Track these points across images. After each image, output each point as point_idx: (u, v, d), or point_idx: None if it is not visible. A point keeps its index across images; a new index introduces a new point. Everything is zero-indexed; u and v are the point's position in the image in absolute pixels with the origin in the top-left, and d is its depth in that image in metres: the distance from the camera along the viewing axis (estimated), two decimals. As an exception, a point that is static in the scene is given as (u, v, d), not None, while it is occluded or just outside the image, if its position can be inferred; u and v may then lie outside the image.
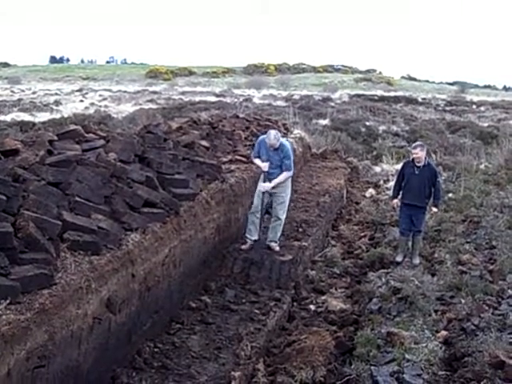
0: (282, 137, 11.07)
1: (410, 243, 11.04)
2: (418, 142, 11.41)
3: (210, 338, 7.92)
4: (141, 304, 7.07)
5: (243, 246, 10.52)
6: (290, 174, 10.60)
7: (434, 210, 11.25)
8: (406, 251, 11.00)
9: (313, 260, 11.59)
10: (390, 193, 14.02)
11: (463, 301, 8.54)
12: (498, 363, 6.42)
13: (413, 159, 10.78)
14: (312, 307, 9.57)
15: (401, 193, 11.06)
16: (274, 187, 10.42)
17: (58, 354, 5.32)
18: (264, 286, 9.81)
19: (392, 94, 59.52)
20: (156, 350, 7.37)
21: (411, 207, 10.79)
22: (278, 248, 10.60)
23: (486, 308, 8.14)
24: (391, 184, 16.95)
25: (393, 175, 18.44)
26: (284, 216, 10.80)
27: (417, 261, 10.70)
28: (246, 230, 10.71)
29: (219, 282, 9.77)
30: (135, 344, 7.11)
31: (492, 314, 7.91)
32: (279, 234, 10.78)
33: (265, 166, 10.40)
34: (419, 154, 10.61)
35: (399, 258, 10.86)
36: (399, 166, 17.00)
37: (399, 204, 11.24)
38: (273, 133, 10.42)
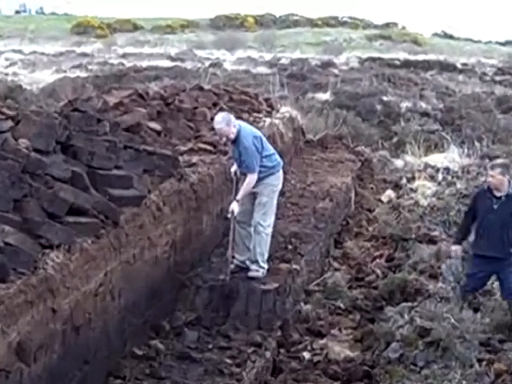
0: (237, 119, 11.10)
1: None
2: (498, 160, 10.85)
3: (163, 399, 8.00)
4: (65, 351, 7.10)
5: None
6: (255, 176, 10.44)
7: None
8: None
9: (307, 289, 11.69)
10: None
11: (517, 346, 8.66)
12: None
13: (488, 186, 10.11)
14: (306, 355, 9.67)
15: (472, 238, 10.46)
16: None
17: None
18: (239, 326, 9.87)
19: (420, 57, 59.74)
20: (86, 415, 7.43)
21: (488, 260, 10.01)
22: (257, 273, 10.60)
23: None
24: (417, 184, 17.04)
25: (420, 171, 18.51)
26: (267, 224, 10.74)
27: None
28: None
29: (176, 321, 9.83)
30: (57, 407, 7.15)
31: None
32: (259, 251, 10.65)
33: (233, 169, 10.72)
34: (498, 177, 9.78)
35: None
36: (429, 159, 16.94)
37: (459, 254, 10.72)
38: (220, 115, 10.56)
